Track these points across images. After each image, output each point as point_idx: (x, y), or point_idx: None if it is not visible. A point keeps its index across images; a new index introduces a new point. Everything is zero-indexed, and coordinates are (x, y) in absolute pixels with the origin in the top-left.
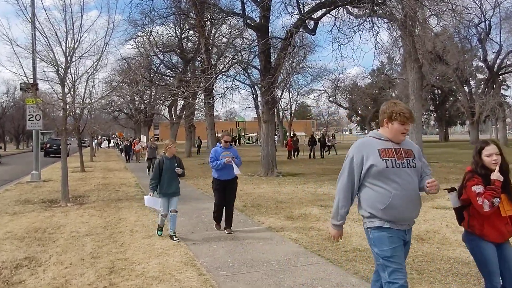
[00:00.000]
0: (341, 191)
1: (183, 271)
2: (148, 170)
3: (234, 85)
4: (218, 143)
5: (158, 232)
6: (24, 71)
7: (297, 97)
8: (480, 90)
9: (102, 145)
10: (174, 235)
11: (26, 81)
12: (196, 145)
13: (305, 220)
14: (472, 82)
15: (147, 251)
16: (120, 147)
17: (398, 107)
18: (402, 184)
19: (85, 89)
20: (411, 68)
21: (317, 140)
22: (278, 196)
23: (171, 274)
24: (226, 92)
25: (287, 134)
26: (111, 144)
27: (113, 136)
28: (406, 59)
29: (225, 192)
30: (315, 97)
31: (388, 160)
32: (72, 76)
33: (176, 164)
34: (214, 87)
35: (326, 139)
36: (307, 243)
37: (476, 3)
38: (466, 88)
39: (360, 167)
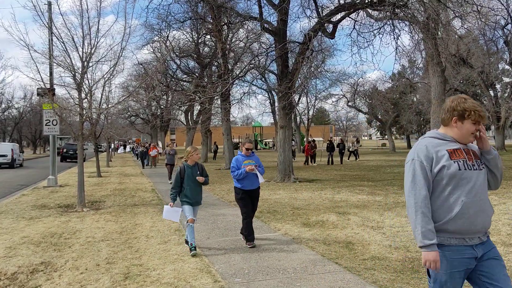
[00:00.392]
0: (422, 203)
1: (198, 278)
2: (170, 178)
3: (251, 90)
4: (238, 151)
5: (191, 250)
6: (41, 76)
7: (315, 102)
8: (506, 94)
9: (119, 150)
10: (193, 248)
11: (43, 86)
12: (212, 151)
13: (322, 227)
14: (498, 86)
15: (162, 257)
16: (136, 152)
17: (471, 104)
18: (474, 189)
19: (102, 94)
20: (434, 72)
21: (335, 145)
22: (294, 202)
23: (186, 281)
24: (242, 97)
25: (305, 139)
26: (127, 149)
27: (129, 141)
28: (428, 62)
29: (250, 201)
30: (333, 102)
31: (460, 161)
32: (88, 81)
33: (198, 172)
34: (230, 92)
35: (350, 144)
36: (324, 251)
37: (503, 4)
38: (491, 92)
39: (430, 170)
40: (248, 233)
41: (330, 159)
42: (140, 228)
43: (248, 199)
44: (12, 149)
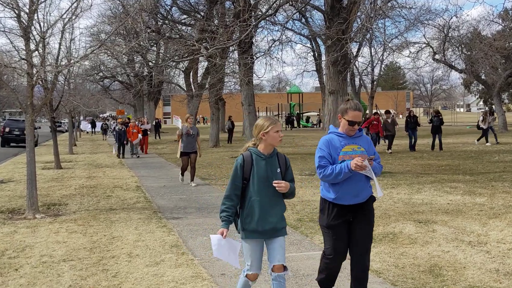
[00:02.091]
0: None
1: None
2: (182, 176)
3: (284, 37)
4: (330, 126)
5: None
6: None
7: (382, 55)
8: None
9: (82, 126)
10: None
11: None
12: (226, 129)
13: (394, 242)
14: None
15: (153, 285)
16: (111, 131)
17: None
18: None
19: (60, 44)
20: None
21: (419, 121)
22: None
23: None
24: (272, 48)
25: (367, 112)
26: (97, 129)
27: (102, 116)
28: None
29: (348, 230)
30: (411, 54)
31: None
32: (40, 25)
33: (279, 170)
34: (253, 40)
35: (481, 118)
36: (396, 277)
37: None
38: None
39: None
40: (328, 286)
41: (436, 141)
42: (119, 243)
43: (343, 227)
44: None
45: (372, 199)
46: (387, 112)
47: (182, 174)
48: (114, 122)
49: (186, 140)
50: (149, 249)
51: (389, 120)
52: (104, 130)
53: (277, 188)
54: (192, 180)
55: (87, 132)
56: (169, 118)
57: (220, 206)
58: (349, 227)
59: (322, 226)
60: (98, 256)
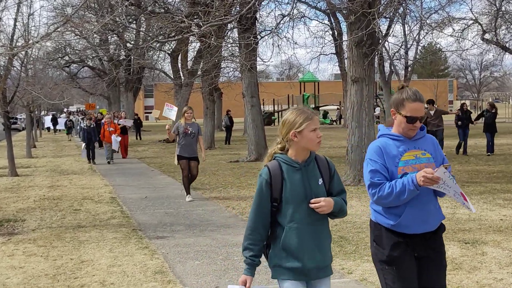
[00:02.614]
0: None
1: None
2: (187, 191)
3: (295, 12)
4: (384, 129)
5: None
6: None
7: (419, 34)
8: None
9: (46, 123)
10: None
11: None
12: (223, 127)
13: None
14: None
15: None
16: (77, 128)
17: None
18: None
19: (16, 20)
20: None
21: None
22: None
23: None
24: (280, 25)
25: None
26: (60, 127)
27: (68, 111)
28: None
29: (416, 269)
30: (454, 32)
31: None
32: None
33: (321, 180)
34: (257, 15)
35: None
36: None
37: None
38: None
39: None
40: None
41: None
42: (90, 269)
43: (411, 261)
44: None
45: (443, 227)
46: (429, 101)
47: (187, 188)
48: (83, 119)
49: (184, 141)
50: (127, 276)
51: (432, 113)
52: (69, 128)
53: (316, 210)
54: (187, 192)
55: (59, 130)
56: (151, 112)
57: (242, 242)
58: (417, 263)
59: (380, 262)
60: (63, 285)
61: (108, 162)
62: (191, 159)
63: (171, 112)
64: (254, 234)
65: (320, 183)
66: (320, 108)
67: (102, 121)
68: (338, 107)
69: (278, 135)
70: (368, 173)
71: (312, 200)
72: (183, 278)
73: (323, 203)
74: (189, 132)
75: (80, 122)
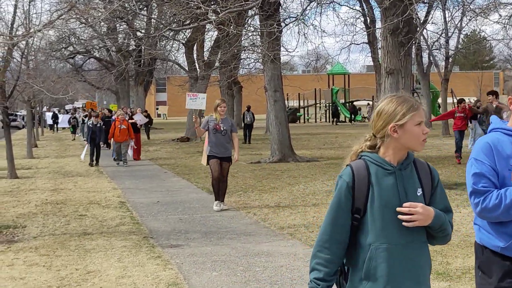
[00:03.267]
0: None
1: None
2: (216, 197)
3: None
4: (497, 121)
5: None
6: None
7: (461, 21)
8: None
9: (48, 120)
10: None
11: None
12: (243, 123)
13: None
14: None
15: None
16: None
17: None
18: None
19: (16, 7)
20: None
21: None
22: None
23: None
24: (306, 11)
25: (439, 100)
26: (62, 124)
27: (73, 107)
28: None
29: None
30: (501, 19)
31: None
32: None
33: (420, 190)
34: (282, 0)
35: None
36: None
37: None
38: None
39: None
40: None
41: None
42: (96, 280)
43: None
44: None
45: None
46: (493, 92)
47: (217, 194)
48: (86, 116)
49: (215, 139)
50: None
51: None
52: (73, 127)
53: (405, 220)
54: (221, 199)
55: (63, 128)
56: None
57: (310, 260)
58: None
59: None
60: None
61: (117, 164)
62: (223, 159)
63: (196, 101)
64: (324, 252)
65: (419, 194)
66: (350, 103)
67: (113, 117)
68: (369, 102)
69: (370, 129)
70: (471, 177)
71: (406, 204)
72: None
73: (419, 209)
74: (221, 129)
75: (83, 120)
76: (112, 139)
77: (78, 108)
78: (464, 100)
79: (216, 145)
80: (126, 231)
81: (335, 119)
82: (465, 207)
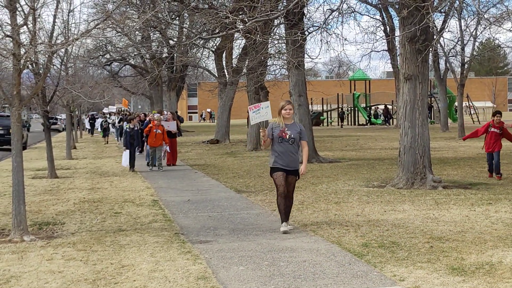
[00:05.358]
0: None
1: None
2: (282, 217)
3: (345, 6)
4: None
5: None
6: None
7: (476, 29)
8: None
9: (87, 124)
10: None
11: None
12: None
13: (490, 275)
14: None
15: None
16: (108, 126)
17: None
18: None
19: (55, 17)
20: None
21: None
22: (434, 227)
23: None
24: (329, 20)
25: (455, 104)
26: (97, 127)
27: (108, 111)
28: None
29: None
30: None
31: None
32: None
33: None
34: (305, 10)
35: None
36: None
37: None
38: None
39: None
40: None
41: None
42: (130, 274)
43: None
44: None
45: None
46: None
47: (283, 212)
48: (121, 119)
49: (281, 148)
50: (169, 282)
51: None
52: (104, 130)
53: None
54: (286, 219)
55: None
56: (195, 112)
57: None
58: None
59: None
60: None
61: (150, 169)
62: (290, 172)
63: (260, 111)
64: None
65: None
66: (370, 107)
67: (147, 119)
68: (390, 106)
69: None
70: None
71: None
72: (227, 284)
73: None
74: (287, 136)
75: (116, 124)
76: (149, 145)
77: (113, 112)
78: (500, 113)
79: (282, 155)
80: (158, 228)
81: (341, 123)
82: (479, 206)
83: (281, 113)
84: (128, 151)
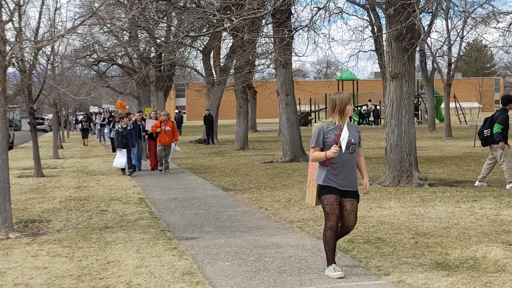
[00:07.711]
0: None
1: None
2: (329, 259)
3: (332, 5)
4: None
5: None
6: None
7: (463, 29)
8: None
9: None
10: None
11: None
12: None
13: (474, 270)
14: None
15: None
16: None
17: None
18: None
19: (41, 13)
20: None
21: None
22: (419, 223)
23: None
24: (316, 19)
25: (442, 105)
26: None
27: (98, 112)
28: None
29: None
30: (502, 29)
31: None
32: None
33: None
34: (293, 9)
35: None
36: None
37: None
38: None
39: None
40: None
41: None
42: (115, 270)
43: None
44: None
45: None
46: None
47: (331, 248)
48: (110, 121)
49: (338, 159)
50: (154, 277)
51: None
52: (84, 130)
53: None
54: (330, 259)
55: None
56: (184, 112)
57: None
58: None
59: None
60: (88, 286)
61: (160, 171)
62: (349, 194)
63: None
64: None
65: None
66: (359, 107)
67: (147, 119)
68: (377, 105)
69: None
70: None
71: None
72: (212, 279)
73: None
74: (350, 142)
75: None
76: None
77: (94, 113)
78: None
79: (340, 170)
80: (144, 225)
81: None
82: (464, 203)
83: (344, 111)
84: (121, 151)
